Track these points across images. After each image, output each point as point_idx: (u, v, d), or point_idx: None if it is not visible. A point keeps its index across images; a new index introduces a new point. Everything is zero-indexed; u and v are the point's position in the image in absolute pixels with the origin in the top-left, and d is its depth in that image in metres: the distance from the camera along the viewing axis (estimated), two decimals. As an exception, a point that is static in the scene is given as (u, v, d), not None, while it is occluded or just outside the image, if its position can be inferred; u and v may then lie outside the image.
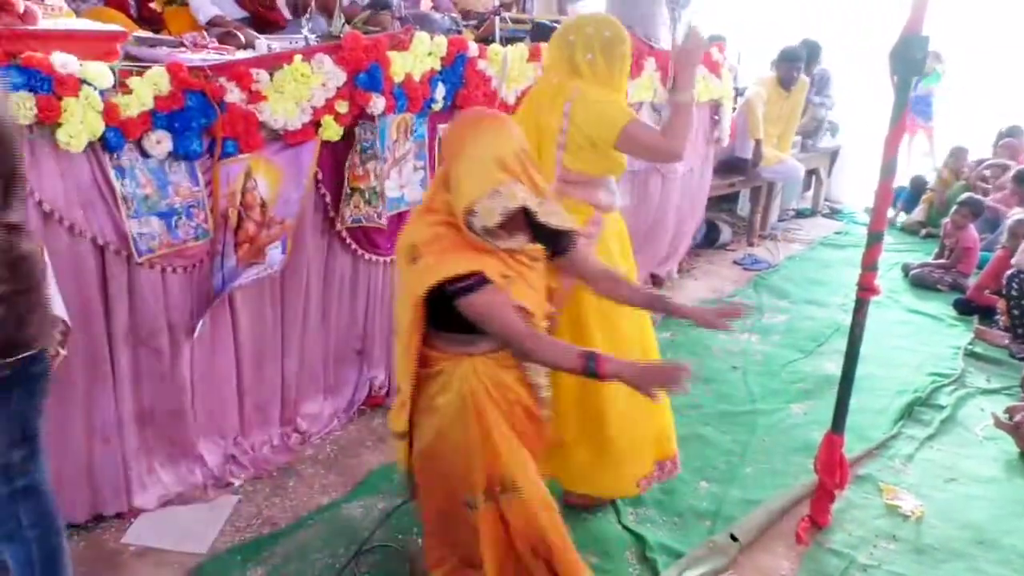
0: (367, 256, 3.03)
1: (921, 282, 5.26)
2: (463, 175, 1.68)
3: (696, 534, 2.59)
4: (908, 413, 3.44)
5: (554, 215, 1.80)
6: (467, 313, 1.69)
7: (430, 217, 1.77)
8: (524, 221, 1.79)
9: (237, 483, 2.76)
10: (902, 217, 6.73)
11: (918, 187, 6.84)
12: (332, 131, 2.67)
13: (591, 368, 1.65)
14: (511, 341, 1.72)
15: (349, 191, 2.84)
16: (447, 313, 1.71)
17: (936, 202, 6.49)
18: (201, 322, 2.56)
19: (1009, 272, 4.36)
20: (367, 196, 2.89)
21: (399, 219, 3.09)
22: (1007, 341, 4.25)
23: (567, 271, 2.03)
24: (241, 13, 3.62)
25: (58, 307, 1.84)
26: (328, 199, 2.84)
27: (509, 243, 1.75)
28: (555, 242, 1.89)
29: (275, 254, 2.75)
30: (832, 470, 2.53)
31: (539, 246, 1.86)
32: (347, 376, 3.22)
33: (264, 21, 3.72)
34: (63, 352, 1.85)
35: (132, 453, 2.52)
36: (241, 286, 2.69)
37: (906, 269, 5.47)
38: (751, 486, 2.86)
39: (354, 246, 2.98)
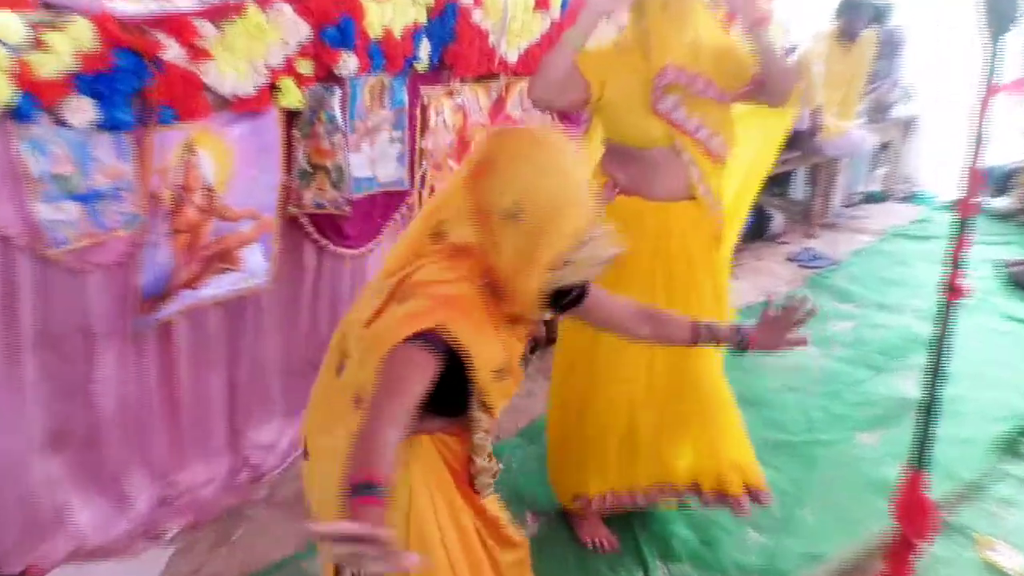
0: (332, 248, 3.06)
1: (1020, 282, 5.28)
2: (546, 213, 1.56)
3: (742, 596, 2.63)
4: (1008, 445, 3.47)
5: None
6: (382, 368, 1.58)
7: (445, 269, 1.66)
8: None
9: (171, 532, 2.78)
10: (1002, 201, 6.73)
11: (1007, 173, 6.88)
12: (292, 97, 2.70)
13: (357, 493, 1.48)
14: (370, 425, 1.56)
15: (310, 169, 2.86)
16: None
17: None
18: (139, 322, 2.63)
19: None
20: (334, 177, 2.91)
21: (370, 203, 3.12)
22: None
23: (588, 322, 2.05)
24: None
25: None
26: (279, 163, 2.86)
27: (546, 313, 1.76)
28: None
29: (255, 260, 2.84)
30: (913, 516, 2.54)
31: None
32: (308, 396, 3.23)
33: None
34: None
35: (40, 491, 2.53)
36: (215, 299, 2.79)
37: (1003, 266, 5.47)
38: (811, 535, 2.88)
39: (315, 235, 3.01)
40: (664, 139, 2.47)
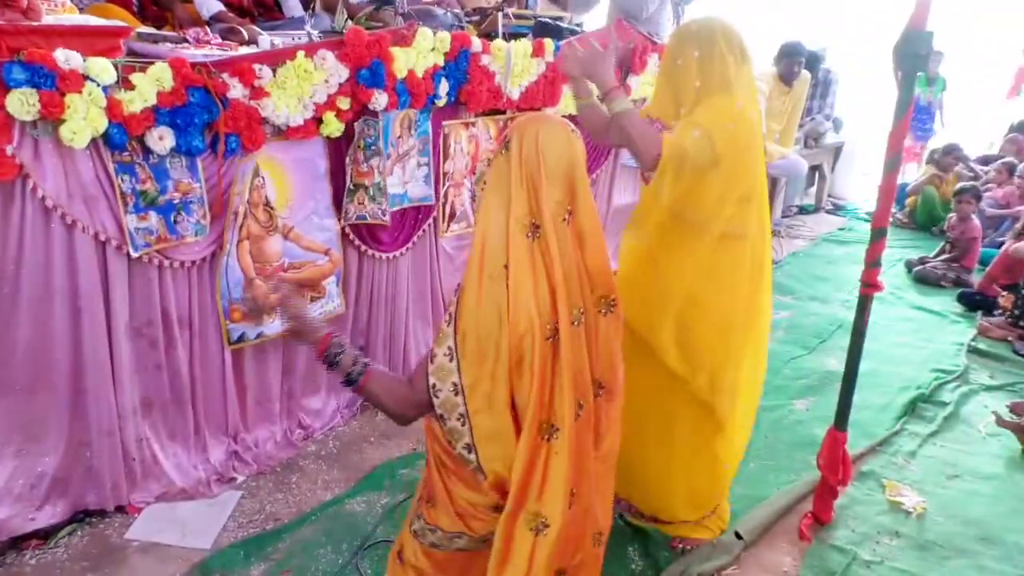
0: (371, 252, 3.02)
1: (924, 278, 5.25)
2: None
3: (699, 530, 2.59)
4: (911, 409, 3.44)
5: None
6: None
7: None
8: None
9: (240, 479, 2.76)
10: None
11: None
12: (333, 127, 2.67)
13: None
14: None
15: (353, 187, 2.84)
16: None
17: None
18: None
19: None
20: (371, 192, 2.89)
21: (402, 216, 3.10)
22: (1011, 337, 4.24)
23: None
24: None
25: None
26: (331, 195, 2.84)
27: None
28: None
29: (332, 288, 2.92)
30: (835, 466, 2.52)
31: None
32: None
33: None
34: None
35: (134, 448, 2.52)
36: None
37: (909, 265, 5.46)
38: (754, 482, 2.85)
39: (358, 242, 2.98)
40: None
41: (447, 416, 1.52)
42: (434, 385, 1.51)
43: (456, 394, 1.50)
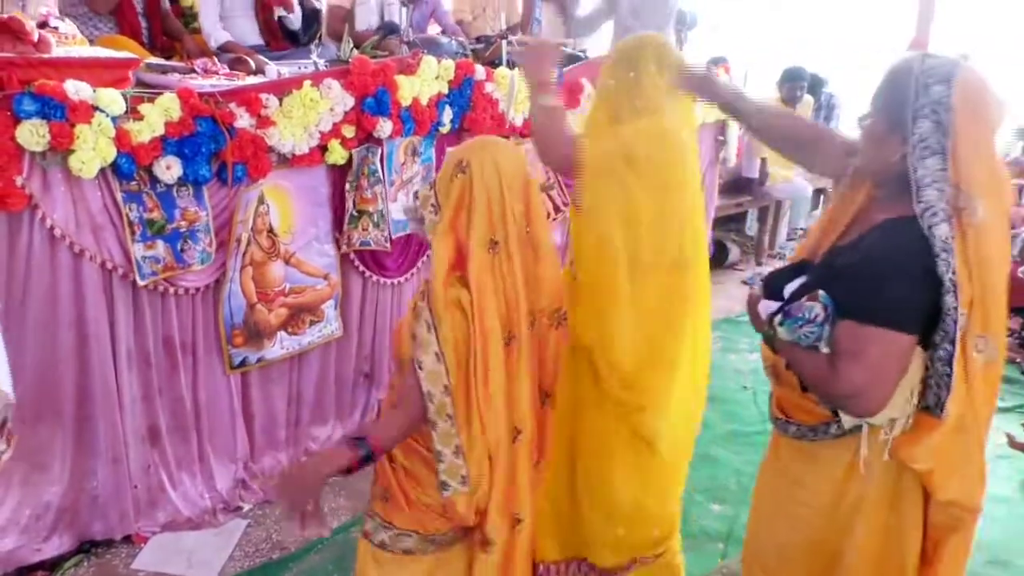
0: (375, 279, 3.04)
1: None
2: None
3: (708, 556, 2.57)
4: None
5: None
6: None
7: None
8: None
9: (247, 507, 2.75)
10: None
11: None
12: (338, 155, 2.69)
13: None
14: None
15: (356, 213, 2.86)
16: None
17: None
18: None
19: None
20: (375, 219, 2.90)
21: (406, 241, 3.11)
22: (1019, 359, 4.22)
23: None
24: (257, 39, 3.62)
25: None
26: (331, 221, 2.86)
27: None
28: None
29: (331, 312, 2.94)
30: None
31: None
32: (356, 399, 3.21)
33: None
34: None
35: (140, 476, 2.52)
36: (312, 345, 2.92)
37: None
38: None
39: (362, 268, 2.99)
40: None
41: (438, 420, 1.54)
42: (428, 392, 1.53)
43: (447, 395, 1.54)
